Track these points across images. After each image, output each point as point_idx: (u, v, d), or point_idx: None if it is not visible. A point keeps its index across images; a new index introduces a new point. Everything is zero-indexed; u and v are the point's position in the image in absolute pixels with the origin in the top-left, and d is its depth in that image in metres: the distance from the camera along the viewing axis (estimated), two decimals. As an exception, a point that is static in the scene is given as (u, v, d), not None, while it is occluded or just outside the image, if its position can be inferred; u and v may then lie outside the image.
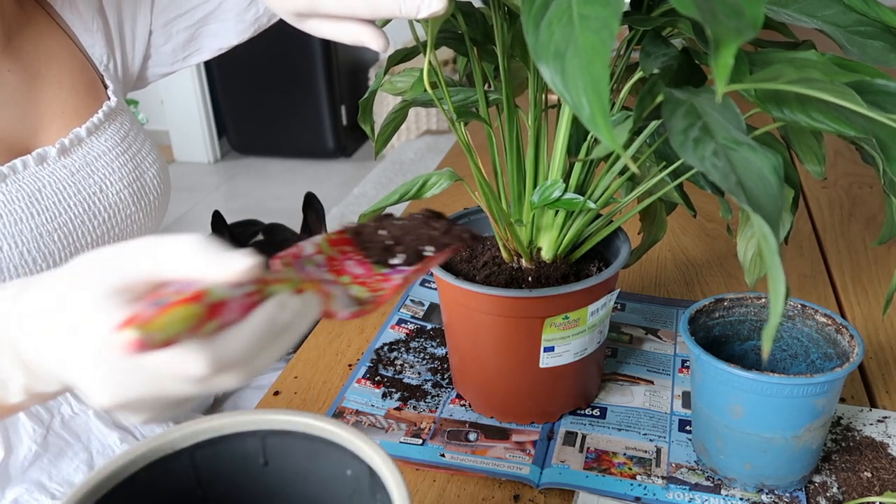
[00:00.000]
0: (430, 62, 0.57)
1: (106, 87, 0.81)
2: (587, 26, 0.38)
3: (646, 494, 0.60)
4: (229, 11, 0.85)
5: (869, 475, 0.62)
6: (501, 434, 0.68)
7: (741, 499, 0.60)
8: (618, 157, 0.61)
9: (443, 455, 0.65)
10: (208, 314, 0.34)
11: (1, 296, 0.41)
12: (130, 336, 0.32)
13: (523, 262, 0.66)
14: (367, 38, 0.51)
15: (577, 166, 0.62)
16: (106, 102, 0.80)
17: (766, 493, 0.60)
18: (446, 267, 0.64)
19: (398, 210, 0.98)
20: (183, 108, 3.54)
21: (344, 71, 3.45)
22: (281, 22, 0.78)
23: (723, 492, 0.61)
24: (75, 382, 0.38)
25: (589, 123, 0.38)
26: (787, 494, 0.60)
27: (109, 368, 0.36)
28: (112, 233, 0.76)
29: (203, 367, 0.35)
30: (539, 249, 0.65)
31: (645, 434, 0.67)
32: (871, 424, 0.67)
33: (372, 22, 0.51)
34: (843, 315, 0.84)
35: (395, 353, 0.79)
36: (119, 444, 0.80)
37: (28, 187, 0.70)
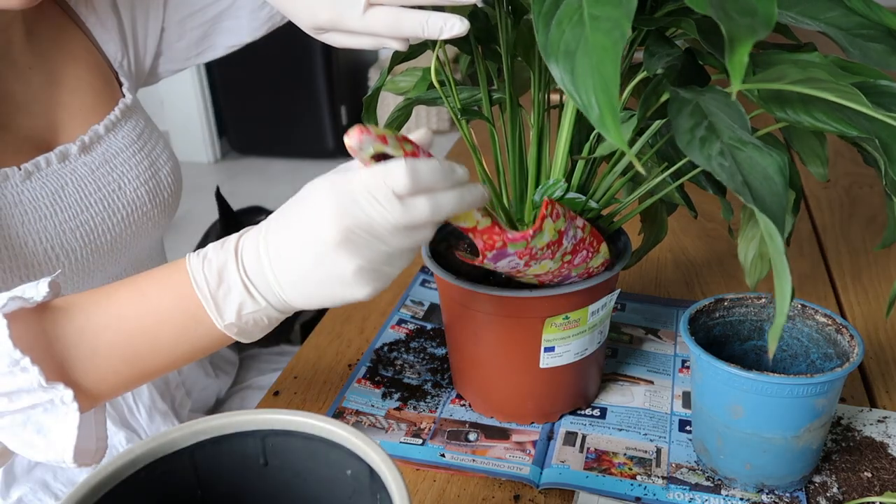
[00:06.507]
0: (437, 59, 0.57)
1: (121, 84, 0.81)
2: (598, 27, 0.38)
3: (646, 494, 0.60)
4: (243, 9, 0.84)
5: (869, 475, 0.62)
6: (501, 434, 0.68)
7: (741, 499, 0.60)
8: (620, 158, 0.61)
9: (443, 455, 0.65)
10: (408, 152, 0.46)
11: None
12: (356, 132, 0.43)
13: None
14: (387, 43, 0.53)
15: (580, 166, 0.62)
16: (122, 100, 0.79)
17: (766, 493, 0.60)
18: (446, 267, 0.64)
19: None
20: (183, 108, 3.53)
21: (344, 71, 3.44)
22: (286, 22, 0.78)
23: (723, 492, 0.61)
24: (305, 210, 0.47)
25: (598, 124, 0.37)
26: (787, 494, 0.60)
27: (338, 193, 0.45)
28: (130, 230, 0.76)
29: (405, 179, 0.44)
30: (540, 249, 0.65)
31: (645, 434, 0.67)
32: (871, 424, 0.67)
33: None
34: (843, 315, 0.84)
35: (395, 354, 0.79)
36: (125, 444, 0.79)
37: (51, 184, 0.70)
